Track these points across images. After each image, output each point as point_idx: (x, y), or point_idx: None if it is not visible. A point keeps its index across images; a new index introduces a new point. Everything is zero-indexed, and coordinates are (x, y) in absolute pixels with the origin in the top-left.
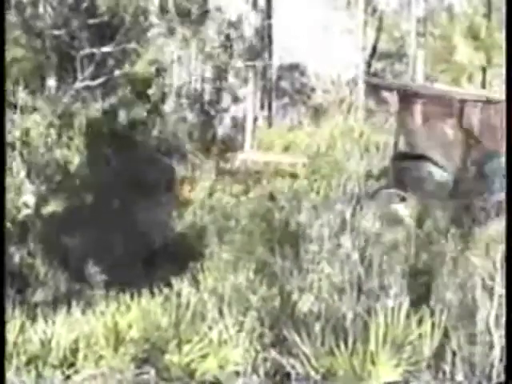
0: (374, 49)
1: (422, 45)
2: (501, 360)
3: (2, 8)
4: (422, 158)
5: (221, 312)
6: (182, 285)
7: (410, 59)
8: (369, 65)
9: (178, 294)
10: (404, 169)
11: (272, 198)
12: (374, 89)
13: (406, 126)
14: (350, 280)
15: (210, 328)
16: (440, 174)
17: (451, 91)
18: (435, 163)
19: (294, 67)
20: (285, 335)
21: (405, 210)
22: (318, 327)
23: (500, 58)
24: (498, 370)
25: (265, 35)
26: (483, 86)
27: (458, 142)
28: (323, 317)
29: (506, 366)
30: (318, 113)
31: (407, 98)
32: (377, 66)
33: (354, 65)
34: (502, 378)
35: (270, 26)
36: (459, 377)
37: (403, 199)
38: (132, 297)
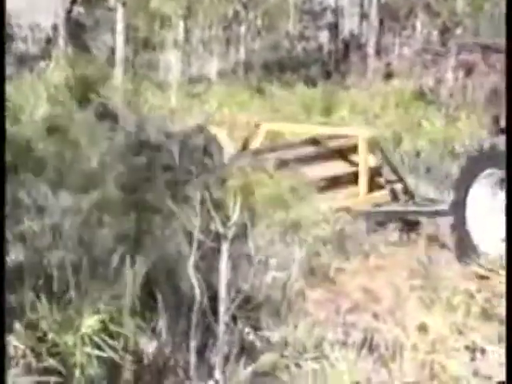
0: None
1: None
2: (200, 303)
3: (2, 9)
4: None
5: None
6: None
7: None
8: (69, 11)
9: None
10: None
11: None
12: (75, 36)
13: None
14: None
15: None
16: None
17: None
18: None
19: None
20: None
21: None
22: (25, 278)
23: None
24: (200, 309)
25: None
26: (186, 34)
27: None
28: (29, 268)
29: (507, 367)
30: (21, 63)
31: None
32: (79, 10)
33: (54, 12)
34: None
35: None
36: (161, 323)
37: None
38: None
